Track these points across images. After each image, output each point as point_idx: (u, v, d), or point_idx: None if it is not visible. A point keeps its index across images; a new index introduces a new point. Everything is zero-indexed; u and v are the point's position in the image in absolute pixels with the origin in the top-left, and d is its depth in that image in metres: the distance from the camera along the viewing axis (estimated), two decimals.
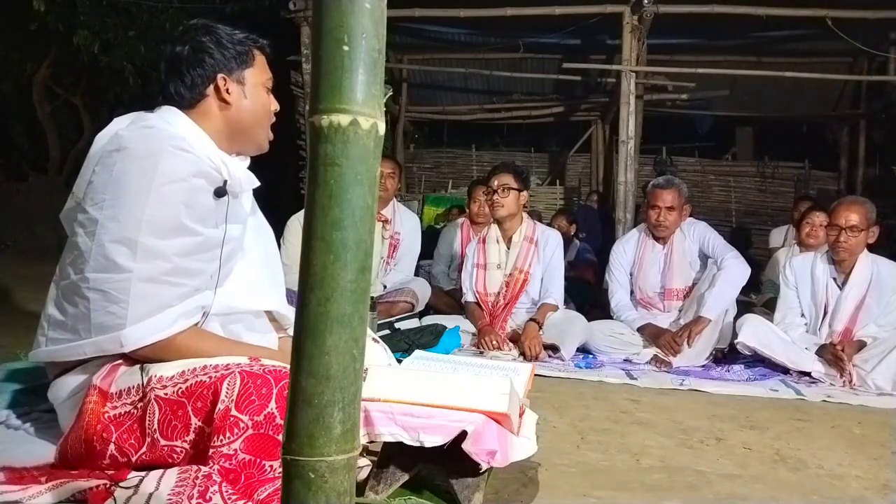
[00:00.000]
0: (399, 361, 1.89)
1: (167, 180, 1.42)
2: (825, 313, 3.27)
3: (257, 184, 1.69)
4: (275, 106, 1.70)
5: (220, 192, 1.52)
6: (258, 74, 1.64)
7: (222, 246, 1.56)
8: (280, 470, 0.70)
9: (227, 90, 1.59)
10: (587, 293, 4.55)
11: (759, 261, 4.87)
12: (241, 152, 1.68)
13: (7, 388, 2.02)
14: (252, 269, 1.67)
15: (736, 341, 3.25)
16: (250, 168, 1.72)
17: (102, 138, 1.51)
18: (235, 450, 1.29)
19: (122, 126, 1.51)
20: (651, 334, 3.46)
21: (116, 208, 1.40)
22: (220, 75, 1.58)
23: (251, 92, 1.63)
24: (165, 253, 1.42)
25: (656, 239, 3.61)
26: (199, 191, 1.48)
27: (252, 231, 1.71)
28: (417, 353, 1.93)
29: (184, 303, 1.46)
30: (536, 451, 1.56)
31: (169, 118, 1.55)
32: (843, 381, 3.03)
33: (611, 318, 3.67)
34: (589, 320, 3.64)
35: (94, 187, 1.45)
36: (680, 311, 3.56)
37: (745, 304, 3.94)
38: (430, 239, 4.80)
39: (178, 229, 1.44)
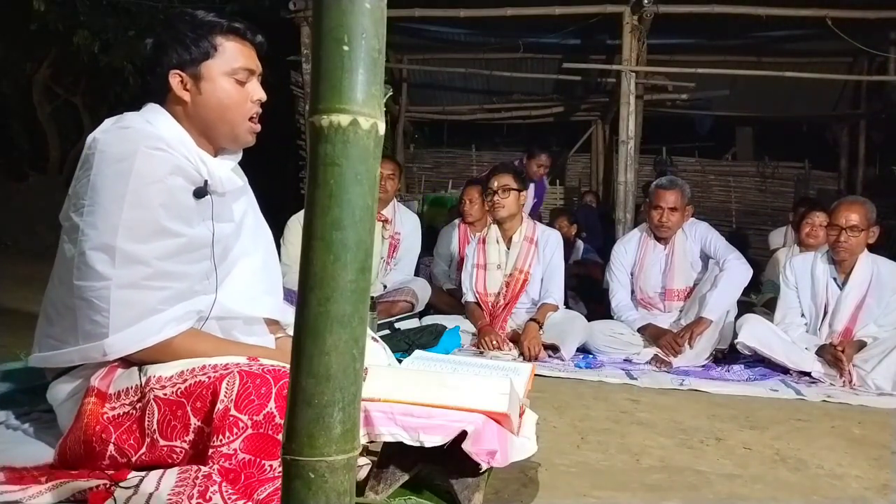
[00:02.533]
0: (399, 361, 1.89)
1: (143, 183, 1.39)
2: (825, 313, 3.27)
3: (240, 184, 1.64)
4: (257, 95, 1.58)
5: (199, 193, 1.50)
6: (222, 65, 1.53)
7: (213, 246, 1.54)
8: (280, 470, 0.70)
9: (184, 87, 1.53)
10: (594, 291, 4.54)
11: (759, 261, 4.87)
12: (225, 148, 1.62)
13: (7, 388, 2.02)
14: (249, 273, 1.64)
15: (736, 341, 3.25)
16: (247, 168, 1.70)
17: (89, 139, 1.48)
18: (235, 449, 1.29)
19: (105, 127, 1.49)
20: (652, 335, 3.46)
21: (94, 215, 1.39)
22: (172, 72, 1.52)
23: (209, 86, 1.53)
24: (145, 257, 1.39)
25: (658, 239, 3.61)
26: (177, 190, 1.45)
27: (250, 234, 1.69)
28: (417, 353, 1.93)
29: (173, 308, 1.44)
30: (536, 451, 1.56)
31: (150, 117, 1.52)
32: (843, 381, 3.03)
33: (611, 317, 3.67)
34: (596, 318, 3.65)
35: (76, 192, 1.44)
36: (681, 311, 3.57)
37: (745, 305, 3.95)
38: (430, 237, 4.80)
39: (157, 232, 1.41)
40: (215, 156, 1.61)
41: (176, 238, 1.45)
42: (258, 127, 1.61)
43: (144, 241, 1.40)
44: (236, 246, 1.64)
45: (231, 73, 1.55)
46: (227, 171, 1.59)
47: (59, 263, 1.46)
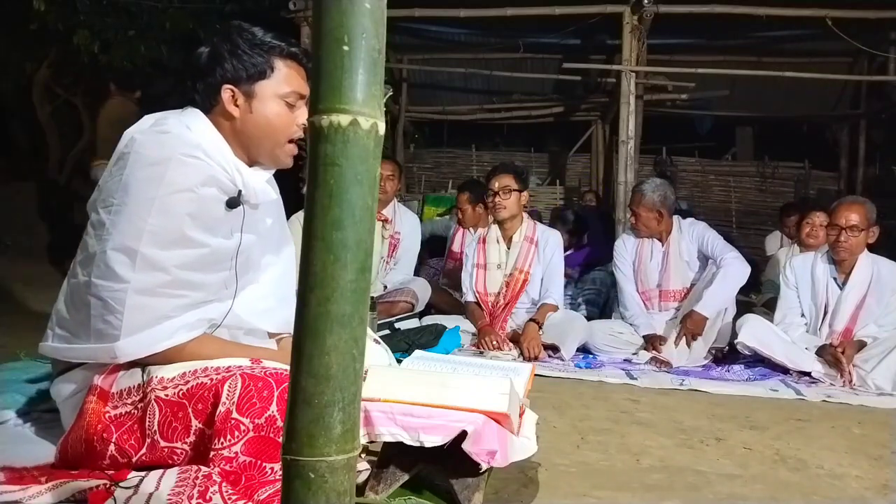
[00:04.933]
0: (399, 361, 1.89)
1: (173, 190, 1.39)
2: (825, 313, 3.27)
3: (273, 197, 1.64)
4: (302, 119, 1.58)
5: (232, 203, 1.50)
6: (276, 86, 1.54)
7: (236, 256, 1.54)
8: (281, 472, 0.70)
9: (235, 102, 1.52)
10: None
11: (757, 261, 4.88)
12: (260, 163, 1.62)
13: (7, 388, 2.03)
14: (268, 285, 1.64)
15: (736, 341, 3.25)
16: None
17: (126, 136, 1.48)
18: (236, 452, 1.29)
19: (143, 127, 1.48)
20: (653, 343, 3.46)
21: (121, 215, 1.39)
22: (225, 86, 1.51)
23: (260, 106, 1.53)
24: (165, 265, 1.39)
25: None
26: (208, 200, 1.45)
27: (275, 246, 1.69)
28: (417, 353, 1.93)
29: (185, 315, 1.44)
30: (536, 451, 1.56)
31: (189, 122, 1.51)
32: (843, 382, 3.03)
33: (610, 317, 3.68)
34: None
35: (107, 188, 1.44)
36: (677, 310, 3.57)
37: (745, 304, 3.95)
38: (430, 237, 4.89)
39: (180, 241, 1.41)
40: (251, 166, 1.60)
41: (199, 248, 1.45)
42: (296, 150, 1.61)
43: (167, 249, 1.40)
44: (262, 257, 1.64)
45: (283, 96, 1.55)
46: (261, 183, 1.59)
47: (82, 254, 1.46)
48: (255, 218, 1.59)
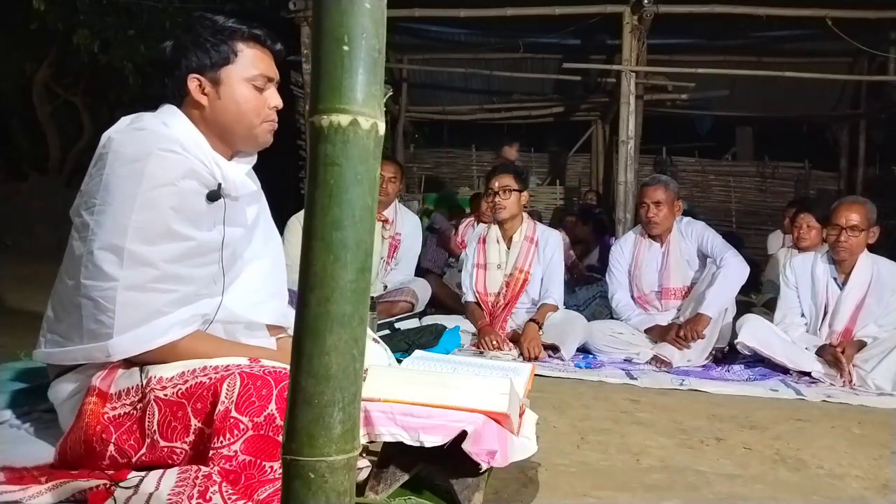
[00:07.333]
0: (399, 361, 1.89)
1: (154, 185, 1.40)
2: (825, 313, 3.27)
3: (253, 189, 1.64)
4: (273, 102, 1.59)
5: (213, 196, 1.50)
6: (243, 70, 1.54)
7: (222, 249, 1.54)
8: (280, 471, 0.70)
9: (202, 91, 1.53)
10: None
11: (757, 261, 4.88)
12: (241, 150, 1.63)
13: (7, 388, 2.03)
14: (257, 278, 1.65)
15: (736, 341, 3.25)
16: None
17: (104, 137, 1.49)
18: (236, 451, 1.29)
19: (120, 127, 1.49)
20: (658, 334, 3.46)
21: (105, 214, 1.39)
22: (191, 76, 1.52)
23: (228, 91, 1.53)
24: (153, 260, 1.40)
25: (653, 238, 3.62)
26: (189, 193, 1.45)
27: (261, 239, 1.69)
28: (417, 353, 1.93)
29: (178, 311, 1.44)
30: (536, 451, 1.56)
31: (166, 118, 1.52)
32: (843, 382, 3.03)
33: (611, 317, 3.67)
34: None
35: (88, 191, 1.44)
36: (678, 310, 3.56)
37: (745, 304, 3.94)
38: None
39: (166, 235, 1.42)
40: (230, 159, 1.61)
41: (185, 241, 1.45)
42: (275, 125, 1.62)
43: (153, 244, 1.40)
44: (246, 250, 1.65)
45: (250, 79, 1.55)
46: (241, 175, 1.59)
47: (68, 259, 1.46)
48: (237, 210, 1.60)
